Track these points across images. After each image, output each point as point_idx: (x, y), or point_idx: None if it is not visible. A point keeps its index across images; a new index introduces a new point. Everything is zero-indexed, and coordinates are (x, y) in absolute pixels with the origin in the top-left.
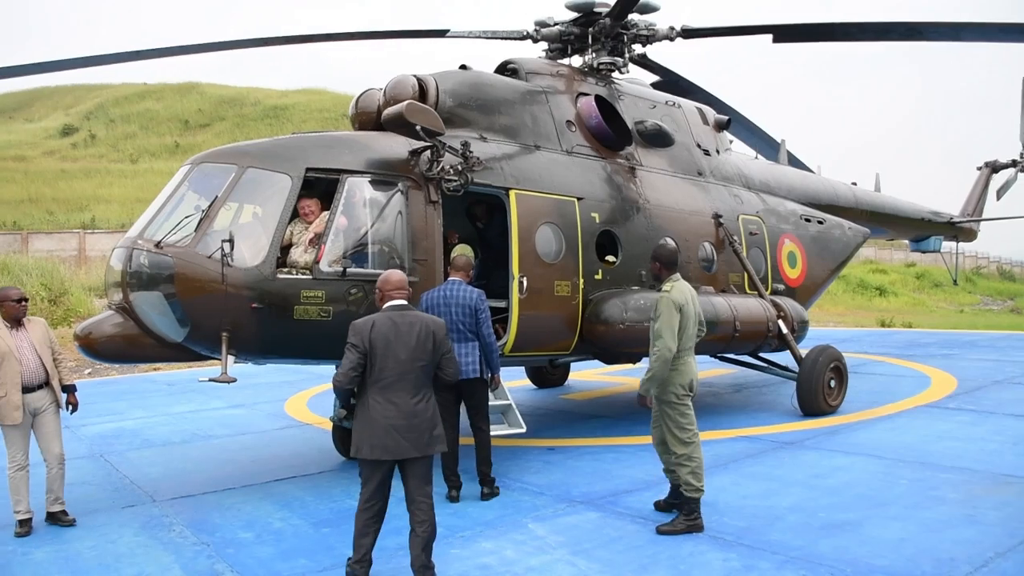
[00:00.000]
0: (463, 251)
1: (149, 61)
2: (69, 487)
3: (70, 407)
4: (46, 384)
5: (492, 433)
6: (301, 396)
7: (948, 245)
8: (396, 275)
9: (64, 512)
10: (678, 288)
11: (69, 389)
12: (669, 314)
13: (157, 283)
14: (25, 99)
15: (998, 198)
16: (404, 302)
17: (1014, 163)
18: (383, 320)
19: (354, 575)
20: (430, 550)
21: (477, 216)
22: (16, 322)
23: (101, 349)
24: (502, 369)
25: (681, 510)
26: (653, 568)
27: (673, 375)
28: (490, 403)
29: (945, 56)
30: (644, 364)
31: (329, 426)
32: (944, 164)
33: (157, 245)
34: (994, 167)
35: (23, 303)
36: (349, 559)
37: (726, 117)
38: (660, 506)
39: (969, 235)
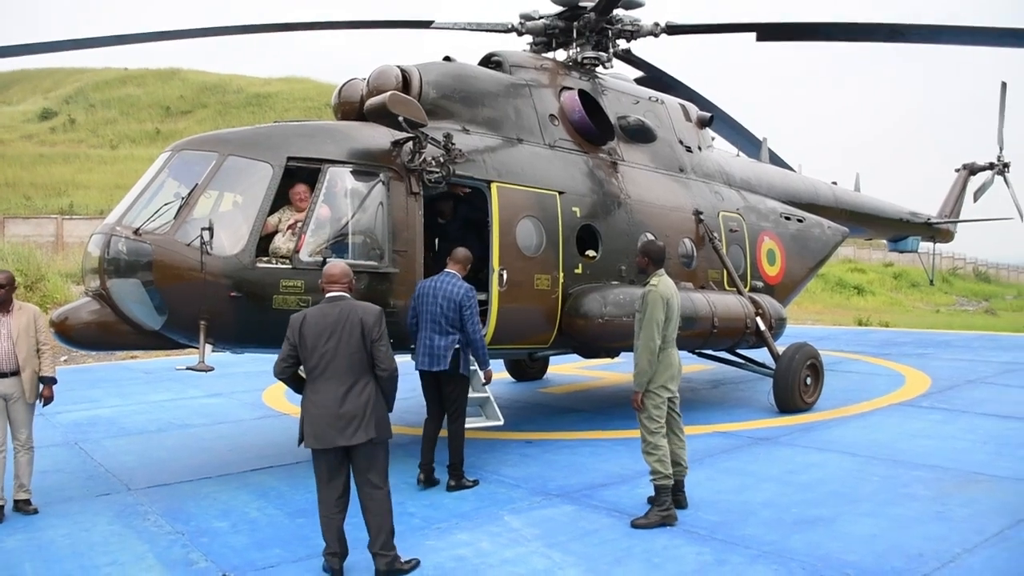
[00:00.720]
0: None
1: (130, 46)
2: (43, 474)
3: (42, 400)
4: (16, 373)
5: (471, 425)
6: (279, 386)
7: (925, 245)
8: (336, 268)
9: (27, 501)
10: (664, 282)
11: (46, 381)
12: (656, 308)
13: (135, 270)
14: (3, 82)
15: (975, 200)
16: (341, 293)
17: (991, 166)
18: (314, 312)
19: (329, 567)
20: (386, 533)
21: (443, 212)
22: (4, 307)
23: (77, 336)
24: None
25: (654, 502)
26: (627, 561)
27: (656, 367)
28: (469, 395)
29: (931, 58)
30: (623, 359)
31: None
32: (926, 166)
33: (136, 232)
34: (972, 169)
35: (3, 288)
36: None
37: (709, 114)
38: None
39: (946, 236)
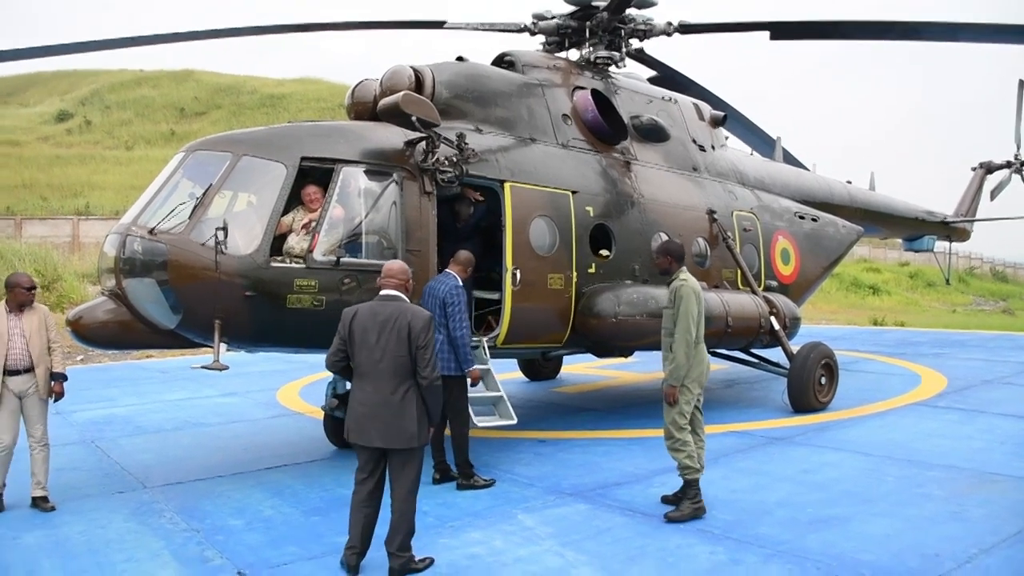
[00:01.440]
0: None
1: (145, 48)
2: (59, 472)
3: (53, 396)
4: (30, 369)
5: (484, 424)
6: (293, 385)
7: (941, 245)
8: (395, 266)
9: (44, 499)
10: (691, 278)
11: (57, 378)
12: (690, 301)
13: (150, 270)
14: (20, 84)
15: (992, 199)
16: (394, 292)
17: (1008, 164)
18: (366, 309)
19: (346, 562)
20: (403, 534)
21: (460, 216)
22: (20, 307)
23: (93, 335)
24: (493, 361)
25: (685, 495)
26: (641, 560)
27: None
28: (482, 394)
29: (949, 56)
30: (637, 358)
31: (321, 415)
32: (944, 164)
33: (151, 232)
34: (989, 168)
35: (32, 291)
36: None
37: (722, 113)
38: (668, 500)
39: (962, 235)
